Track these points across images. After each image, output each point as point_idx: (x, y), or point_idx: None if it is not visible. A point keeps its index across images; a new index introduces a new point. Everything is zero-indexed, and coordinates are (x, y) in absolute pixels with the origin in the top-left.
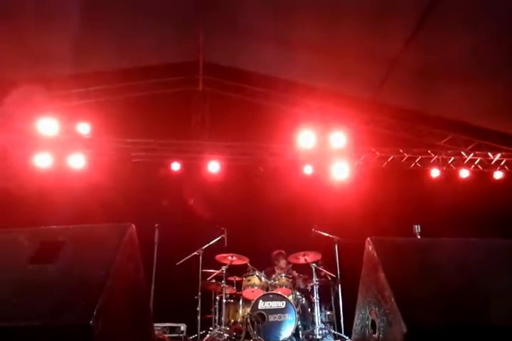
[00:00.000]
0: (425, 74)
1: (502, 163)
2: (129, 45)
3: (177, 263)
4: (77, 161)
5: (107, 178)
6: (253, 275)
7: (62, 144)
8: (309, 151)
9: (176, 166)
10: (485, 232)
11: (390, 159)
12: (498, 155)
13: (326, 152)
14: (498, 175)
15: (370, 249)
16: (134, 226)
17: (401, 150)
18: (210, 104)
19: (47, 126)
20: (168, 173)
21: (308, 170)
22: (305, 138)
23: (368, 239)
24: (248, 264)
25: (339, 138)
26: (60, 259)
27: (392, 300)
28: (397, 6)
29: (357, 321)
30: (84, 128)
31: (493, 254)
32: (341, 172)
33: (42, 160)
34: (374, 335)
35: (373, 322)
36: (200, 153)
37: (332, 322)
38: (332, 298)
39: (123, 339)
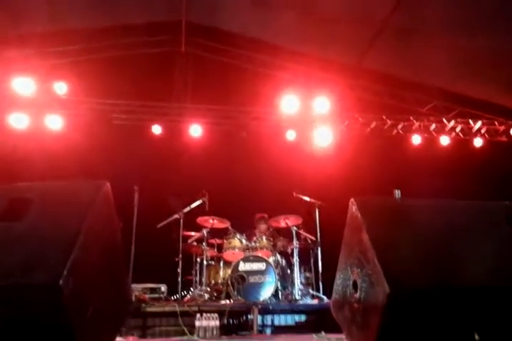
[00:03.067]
0: (410, 40)
1: (482, 131)
2: (109, 1)
3: (158, 226)
4: (55, 122)
5: (86, 140)
6: (234, 237)
7: (38, 104)
8: (292, 116)
9: (157, 129)
10: (463, 198)
11: (372, 125)
12: (479, 122)
13: (310, 117)
14: (478, 142)
15: (354, 209)
16: (108, 184)
17: (384, 117)
18: (193, 65)
19: (22, 85)
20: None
21: (291, 135)
22: (288, 103)
23: (352, 199)
24: (229, 227)
25: (323, 104)
26: (29, 217)
27: (375, 260)
28: None
29: (338, 281)
30: (61, 87)
31: (477, 216)
32: (324, 137)
33: (18, 121)
34: (355, 295)
35: (355, 283)
36: (182, 116)
37: (311, 284)
38: (311, 260)
39: (96, 299)
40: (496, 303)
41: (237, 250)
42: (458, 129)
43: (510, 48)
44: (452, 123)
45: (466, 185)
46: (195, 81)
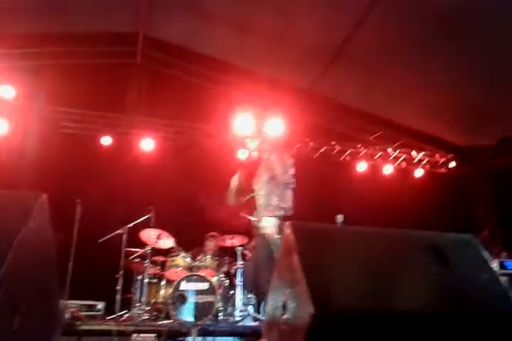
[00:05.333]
0: (364, 71)
1: (424, 162)
2: (62, 5)
3: (99, 241)
4: (0, 127)
5: (31, 148)
6: (178, 255)
7: None
8: (245, 136)
9: (106, 140)
10: (403, 225)
11: (322, 150)
12: (421, 153)
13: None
14: (419, 172)
15: (288, 232)
16: (45, 195)
17: (333, 143)
18: (148, 79)
19: None
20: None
21: (243, 154)
22: (242, 122)
23: (287, 223)
24: (174, 244)
25: (276, 126)
26: None
27: (303, 281)
28: None
29: (270, 303)
30: (8, 92)
31: (407, 245)
32: None
33: None
34: (283, 317)
35: (284, 304)
36: (134, 128)
37: (253, 305)
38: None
39: (24, 312)
40: (424, 330)
41: (180, 268)
42: (401, 159)
43: (460, 85)
44: (397, 152)
45: (406, 211)
46: (149, 94)
